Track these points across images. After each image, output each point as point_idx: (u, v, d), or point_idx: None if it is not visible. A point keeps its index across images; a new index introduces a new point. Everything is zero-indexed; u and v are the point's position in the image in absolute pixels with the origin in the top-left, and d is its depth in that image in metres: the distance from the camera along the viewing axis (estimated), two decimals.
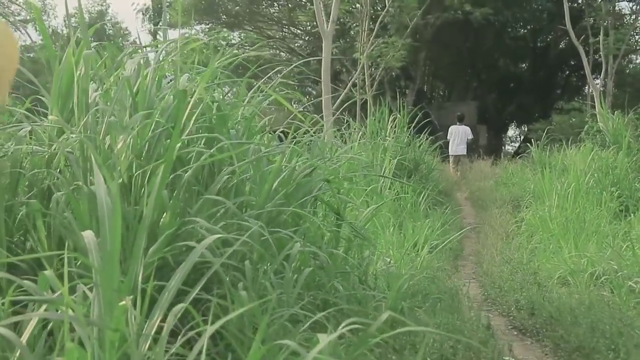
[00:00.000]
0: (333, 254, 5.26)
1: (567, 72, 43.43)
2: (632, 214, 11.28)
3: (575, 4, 36.54)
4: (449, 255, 10.37)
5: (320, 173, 5.35)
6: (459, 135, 21.05)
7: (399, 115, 15.39)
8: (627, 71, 41.41)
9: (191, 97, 4.14)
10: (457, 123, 21.37)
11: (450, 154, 21.19)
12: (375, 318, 2.91)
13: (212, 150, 4.15)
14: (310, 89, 36.16)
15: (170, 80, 4.66)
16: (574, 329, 5.92)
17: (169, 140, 3.95)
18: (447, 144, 20.58)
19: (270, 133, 5.91)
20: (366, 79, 23.30)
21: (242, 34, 37.05)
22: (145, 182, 3.91)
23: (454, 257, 10.91)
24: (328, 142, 7.64)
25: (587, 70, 26.19)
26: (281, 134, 6.14)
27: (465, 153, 21.32)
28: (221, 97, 5.26)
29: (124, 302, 2.68)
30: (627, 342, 5.39)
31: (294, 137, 5.86)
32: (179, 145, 3.88)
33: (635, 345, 5.35)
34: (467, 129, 21.43)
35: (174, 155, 3.64)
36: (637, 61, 44.92)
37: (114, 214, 2.84)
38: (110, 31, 45.97)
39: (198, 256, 3.08)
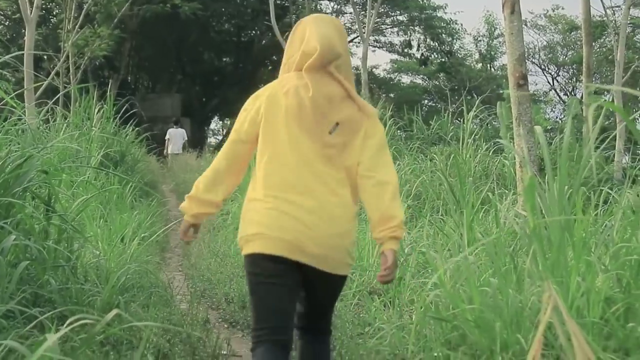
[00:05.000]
0: (45, 246, 5.08)
1: (270, 67, 44.54)
2: None
3: (279, 1, 37.63)
4: (156, 248, 10.31)
5: (35, 163, 5.14)
6: (176, 137, 24.70)
7: (105, 106, 15.07)
8: None
9: None
10: (174, 126, 25.18)
11: (169, 153, 24.54)
12: (90, 313, 2.84)
13: None
14: (9, 76, 34.46)
15: None
16: None
17: None
18: (153, 135, 21.05)
19: None
20: (70, 68, 22.62)
21: None
22: None
23: (161, 250, 10.87)
24: (34, 131, 7.35)
25: None
26: None
27: (181, 152, 24.65)
28: None
29: None
30: (340, 334, 5.65)
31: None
32: None
33: (350, 337, 5.63)
34: (183, 131, 25.38)
35: None
36: None
37: None
38: None
39: None
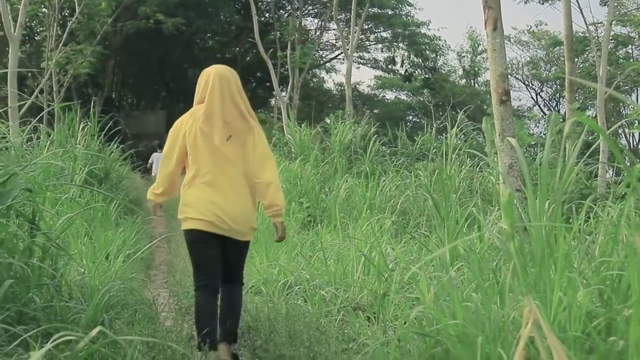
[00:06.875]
0: (29, 264, 5.08)
1: (254, 84, 44.53)
2: (318, 224, 11.76)
3: (263, 18, 37.66)
4: (141, 265, 10.28)
5: (19, 181, 5.14)
6: (160, 161, 25.43)
7: (89, 123, 15.05)
8: (312, 84, 43.35)
9: None
10: (158, 150, 25.36)
11: (153, 175, 24.62)
12: (75, 331, 2.85)
13: None
14: None
15: None
16: (273, 338, 6.08)
17: None
18: (138, 152, 21.08)
19: None
20: (54, 86, 22.60)
21: None
22: None
23: (146, 267, 10.84)
24: (18, 149, 7.34)
25: (275, 82, 27.01)
26: None
27: None
28: None
29: None
30: (324, 349, 5.65)
31: None
32: None
33: (334, 353, 5.62)
34: None
35: None
36: (321, 75, 47.17)
37: None
38: None
39: None
